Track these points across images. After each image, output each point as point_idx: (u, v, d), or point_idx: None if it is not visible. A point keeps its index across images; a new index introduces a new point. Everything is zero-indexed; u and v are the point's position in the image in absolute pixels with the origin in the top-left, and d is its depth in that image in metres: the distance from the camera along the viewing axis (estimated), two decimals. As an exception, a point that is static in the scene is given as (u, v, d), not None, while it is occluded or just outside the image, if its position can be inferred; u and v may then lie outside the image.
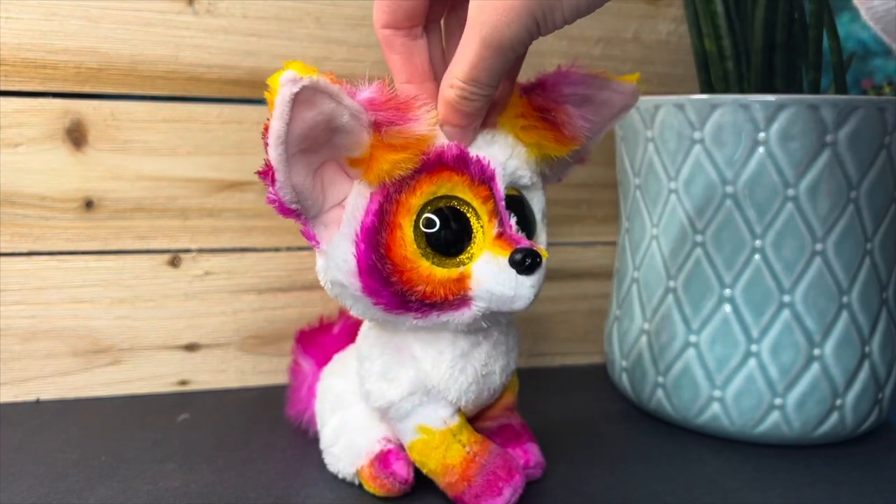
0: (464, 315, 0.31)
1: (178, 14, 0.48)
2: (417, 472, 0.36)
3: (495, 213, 0.31)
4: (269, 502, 0.36)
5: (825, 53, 0.44)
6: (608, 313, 0.52)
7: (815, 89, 0.45)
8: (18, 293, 0.48)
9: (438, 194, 0.31)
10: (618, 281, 0.50)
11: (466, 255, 0.31)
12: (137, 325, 0.50)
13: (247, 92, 0.50)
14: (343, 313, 0.45)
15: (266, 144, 0.27)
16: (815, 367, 0.41)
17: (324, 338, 0.44)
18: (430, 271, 0.31)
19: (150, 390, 0.51)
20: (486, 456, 0.34)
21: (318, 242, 0.32)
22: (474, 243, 0.31)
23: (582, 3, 0.26)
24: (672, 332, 0.45)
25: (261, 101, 0.50)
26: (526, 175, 0.33)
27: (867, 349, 0.42)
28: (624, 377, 0.49)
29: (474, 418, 0.37)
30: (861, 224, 0.41)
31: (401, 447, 0.36)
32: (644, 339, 0.47)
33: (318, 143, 0.28)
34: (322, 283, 0.33)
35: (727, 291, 0.42)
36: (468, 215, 0.31)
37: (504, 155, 0.32)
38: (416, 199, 0.30)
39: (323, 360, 0.42)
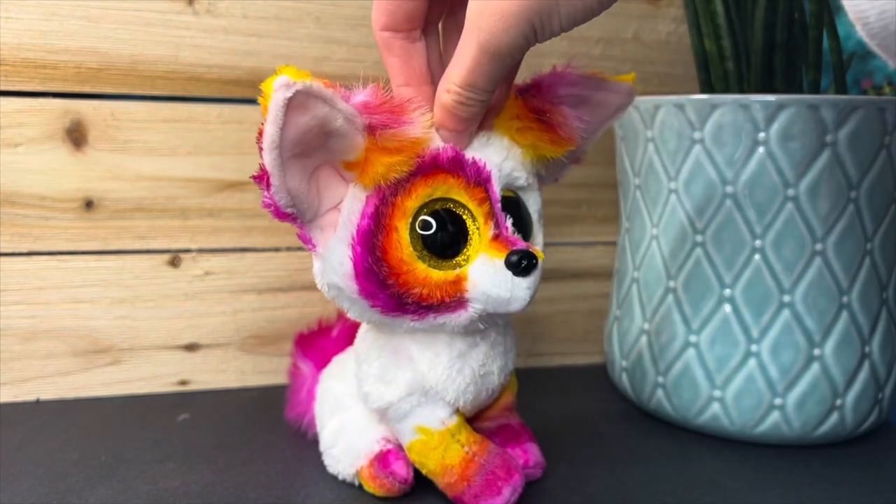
0: (460, 317, 0.31)
1: (178, 14, 0.48)
2: (417, 472, 0.36)
3: (491, 214, 0.31)
4: (269, 502, 0.36)
5: (825, 53, 0.44)
6: (608, 313, 0.52)
7: (815, 89, 0.45)
8: (18, 293, 0.48)
9: (434, 197, 0.31)
10: (618, 281, 0.50)
11: (462, 257, 0.31)
12: (137, 325, 0.50)
13: (247, 92, 0.50)
14: (342, 316, 0.45)
15: (261, 149, 0.27)
16: (815, 367, 0.41)
17: (323, 341, 0.44)
18: (427, 274, 0.31)
19: (150, 390, 0.51)
20: (485, 456, 0.34)
21: (314, 246, 0.32)
22: (470, 245, 0.31)
23: (579, 11, 0.26)
24: (672, 332, 0.45)
25: (258, 100, 0.50)
26: (522, 176, 0.33)
27: (867, 349, 0.42)
28: (624, 377, 0.49)
29: (473, 418, 0.37)
30: (861, 224, 0.41)
31: (400, 447, 0.36)
32: (644, 339, 0.47)
33: (312, 147, 0.28)
34: (319, 286, 0.33)
35: (727, 291, 0.42)
36: (464, 217, 0.31)
37: (500, 157, 0.32)
38: (412, 202, 0.30)
39: (322, 362, 0.42)
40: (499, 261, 0.30)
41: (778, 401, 0.42)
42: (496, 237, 0.31)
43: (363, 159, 0.29)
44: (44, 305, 0.48)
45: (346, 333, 0.43)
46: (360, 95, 0.28)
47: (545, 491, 0.38)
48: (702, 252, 0.43)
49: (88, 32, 0.47)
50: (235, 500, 0.36)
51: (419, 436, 0.34)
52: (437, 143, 0.31)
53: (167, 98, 0.49)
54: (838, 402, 0.42)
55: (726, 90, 0.46)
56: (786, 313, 0.41)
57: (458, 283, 0.31)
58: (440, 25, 0.33)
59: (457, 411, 0.35)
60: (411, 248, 0.31)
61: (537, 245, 0.34)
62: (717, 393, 0.43)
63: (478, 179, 0.31)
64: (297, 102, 0.26)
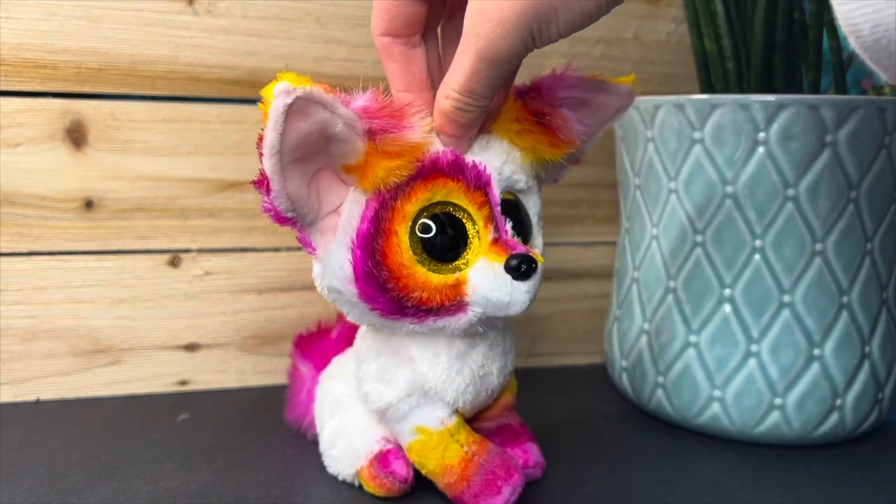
0: (460, 320, 0.31)
1: (178, 14, 0.48)
2: (417, 472, 0.36)
3: (491, 218, 0.31)
4: (269, 502, 0.36)
5: (825, 53, 0.44)
6: (608, 313, 0.52)
7: (815, 89, 0.45)
8: (18, 293, 0.48)
9: (434, 200, 0.31)
10: (618, 281, 0.50)
11: (462, 260, 0.31)
12: (137, 325, 0.50)
13: (247, 92, 0.50)
14: (341, 317, 0.45)
15: (261, 155, 0.27)
16: (815, 367, 0.41)
17: (322, 342, 0.44)
18: (427, 277, 0.31)
19: (150, 390, 0.51)
20: (485, 455, 0.34)
21: (314, 249, 0.32)
22: (470, 249, 0.31)
23: (577, 17, 0.26)
24: (672, 332, 0.45)
25: (261, 101, 0.50)
26: (521, 179, 0.33)
27: (867, 349, 0.42)
28: (624, 377, 0.49)
29: (473, 419, 0.37)
30: (861, 224, 0.41)
31: (400, 447, 0.36)
32: (644, 339, 0.47)
33: (312, 151, 0.28)
34: (319, 289, 0.33)
35: (727, 291, 0.42)
36: (464, 221, 0.31)
37: (499, 160, 0.32)
38: (412, 206, 0.30)
39: (321, 364, 0.42)
40: (498, 265, 0.30)
41: (778, 401, 0.42)
42: (496, 241, 0.31)
43: (363, 163, 0.29)
44: (44, 305, 0.48)
45: (345, 335, 0.43)
46: (360, 100, 0.28)
47: (545, 491, 0.38)
48: (702, 252, 0.43)
49: (88, 32, 0.47)
50: (235, 500, 0.36)
51: (418, 436, 0.34)
52: (437, 146, 0.31)
53: (167, 98, 0.49)
54: (838, 402, 0.42)
55: (726, 90, 0.46)
56: (786, 313, 0.41)
57: (457, 286, 0.31)
58: (439, 30, 0.33)
59: (456, 411, 0.35)
60: (411, 252, 0.31)
61: (537, 248, 0.34)
62: (717, 393, 0.43)
63: (477, 183, 0.31)
64: (297, 108, 0.26)
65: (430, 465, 0.34)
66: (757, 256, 0.42)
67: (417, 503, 0.36)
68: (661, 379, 0.45)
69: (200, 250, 0.51)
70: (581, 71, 0.34)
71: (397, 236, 0.30)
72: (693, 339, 0.44)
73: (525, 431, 0.39)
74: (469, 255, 0.31)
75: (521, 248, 0.31)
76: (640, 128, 0.45)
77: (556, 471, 0.39)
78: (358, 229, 0.30)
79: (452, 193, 0.31)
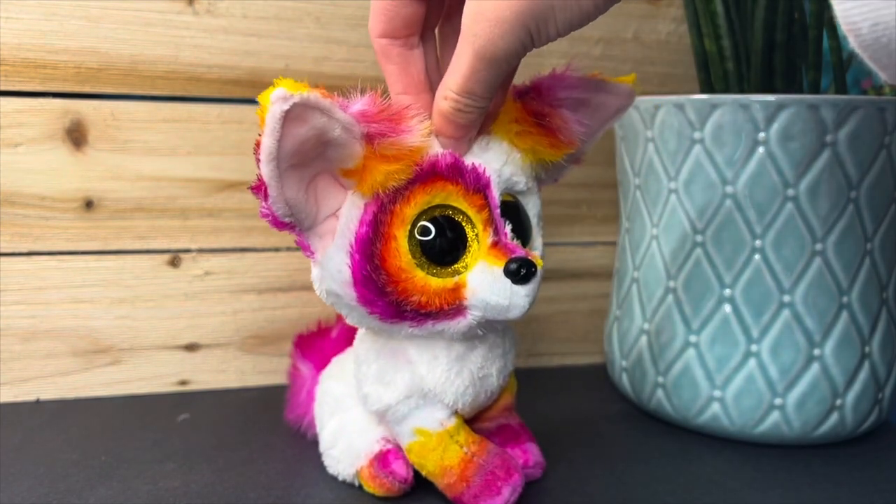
0: (459, 324, 0.31)
1: (178, 14, 0.48)
2: (417, 472, 0.36)
3: (490, 221, 0.31)
4: (269, 502, 0.36)
5: (825, 53, 0.44)
6: (608, 313, 0.52)
7: (815, 89, 0.45)
8: (18, 293, 0.48)
9: (433, 204, 0.31)
10: (618, 281, 0.50)
11: (461, 264, 0.31)
12: (137, 325, 0.50)
13: (247, 92, 0.50)
14: (341, 317, 0.45)
15: (258, 161, 0.27)
16: (815, 367, 0.41)
17: (322, 342, 0.44)
18: (425, 281, 0.31)
19: (150, 390, 0.51)
20: (485, 456, 0.34)
21: (312, 253, 0.32)
22: (469, 252, 0.31)
23: (575, 16, 0.26)
24: (672, 332, 0.45)
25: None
26: (521, 181, 0.33)
27: (867, 349, 0.42)
28: (624, 377, 0.49)
29: (472, 419, 0.37)
30: (861, 224, 0.41)
31: (400, 447, 0.36)
32: (644, 339, 0.47)
33: (310, 157, 0.28)
34: (317, 293, 0.33)
35: (727, 291, 0.42)
36: (463, 224, 0.31)
37: (499, 162, 0.31)
38: (411, 210, 0.30)
39: (321, 364, 0.42)
40: (497, 269, 0.30)
41: (778, 401, 0.42)
42: (495, 244, 0.31)
43: (361, 167, 0.29)
44: (44, 305, 0.48)
45: (345, 335, 0.43)
46: (358, 104, 0.28)
47: (545, 491, 0.37)
48: (702, 252, 0.43)
49: (88, 32, 0.47)
50: (235, 500, 0.36)
51: (418, 437, 0.34)
52: (436, 149, 0.30)
53: (167, 98, 0.49)
54: (838, 402, 0.42)
55: (726, 90, 0.46)
56: (786, 313, 0.41)
57: (456, 290, 0.31)
58: (437, 31, 0.32)
59: (455, 413, 0.35)
60: (410, 256, 0.30)
61: (536, 249, 0.34)
62: (717, 393, 0.43)
63: (477, 186, 0.31)
64: (294, 114, 0.25)
65: (430, 466, 0.34)
66: (757, 256, 0.42)
67: (417, 503, 0.36)
68: (661, 379, 0.45)
69: (200, 250, 0.51)
70: (581, 71, 0.34)
71: (396, 240, 0.30)
72: (693, 339, 0.44)
73: (525, 431, 0.39)
74: (468, 258, 0.31)
75: (520, 252, 0.31)
76: (640, 128, 0.45)
77: (556, 471, 0.39)
78: (356, 233, 0.30)
79: (451, 196, 0.31)
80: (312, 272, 0.33)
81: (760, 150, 0.40)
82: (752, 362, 0.42)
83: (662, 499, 0.37)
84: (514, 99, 0.33)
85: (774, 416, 0.42)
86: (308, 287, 0.52)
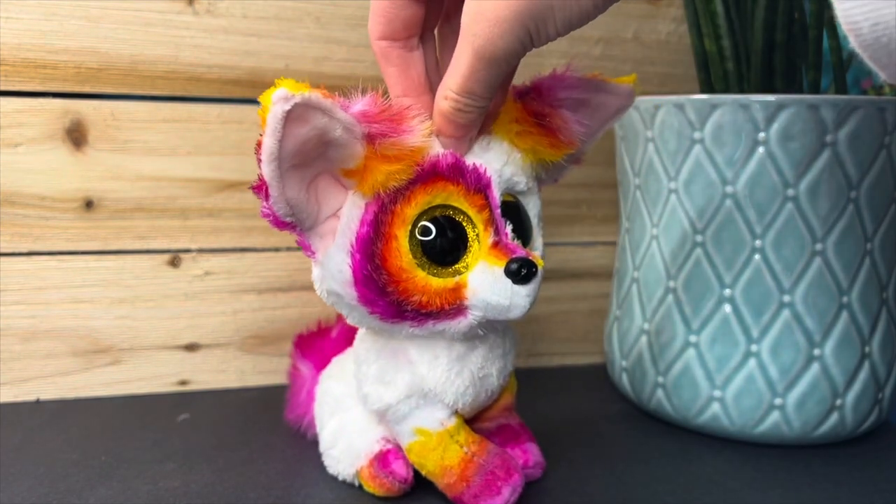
0: (460, 324, 0.31)
1: (178, 14, 0.48)
2: (417, 473, 0.36)
3: (491, 221, 0.31)
4: (269, 502, 0.36)
5: (825, 53, 0.44)
6: (608, 313, 0.52)
7: (815, 89, 0.45)
8: (18, 293, 0.48)
9: (434, 204, 0.31)
10: (618, 281, 0.50)
11: (462, 264, 0.31)
12: (137, 325, 0.50)
13: (247, 92, 0.50)
14: (341, 317, 0.45)
15: (259, 161, 0.27)
16: (815, 367, 0.41)
17: (322, 342, 0.44)
18: (426, 281, 0.31)
19: (150, 390, 0.51)
20: (485, 456, 0.34)
21: (313, 253, 0.32)
22: (470, 252, 0.31)
23: (574, 15, 0.26)
24: (672, 332, 0.45)
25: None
26: (522, 181, 0.33)
27: (867, 349, 0.42)
28: (624, 377, 0.49)
29: (472, 419, 0.37)
30: (861, 224, 0.41)
31: (400, 447, 0.36)
32: (644, 339, 0.47)
33: (311, 157, 0.28)
34: (318, 292, 0.33)
35: (727, 291, 0.42)
36: (464, 224, 0.31)
37: (499, 162, 0.32)
38: (412, 210, 0.30)
39: (321, 364, 0.42)
40: (498, 269, 0.30)
41: (778, 401, 0.42)
42: (496, 244, 0.31)
43: (362, 167, 0.29)
44: (44, 305, 0.48)
45: (345, 335, 0.43)
46: (359, 104, 0.28)
47: (545, 491, 0.37)
48: (702, 252, 0.43)
49: (88, 32, 0.47)
50: (235, 500, 0.36)
51: (418, 437, 0.34)
52: (437, 149, 0.30)
53: (167, 98, 0.49)
54: (838, 402, 0.42)
55: (726, 90, 0.46)
56: (786, 313, 0.41)
57: (457, 290, 0.31)
58: (436, 32, 0.32)
59: (455, 413, 0.35)
60: (410, 256, 0.30)
61: (537, 249, 0.34)
62: (717, 393, 0.43)
63: (477, 186, 0.31)
64: (295, 114, 0.25)
65: (430, 465, 0.34)
66: (757, 256, 0.42)
67: (417, 503, 0.36)
68: (661, 379, 0.45)
69: (200, 250, 0.51)
70: (581, 71, 0.34)
71: (397, 240, 0.30)
72: (693, 339, 0.44)
73: (525, 431, 0.39)
74: (469, 258, 0.31)
75: (520, 252, 0.31)
76: (640, 128, 0.45)
77: (556, 471, 0.39)
78: (357, 233, 0.30)
79: (452, 197, 0.31)
80: (313, 272, 0.33)
81: (760, 150, 0.40)
82: (752, 362, 0.42)
83: (662, 499, 0.37)
84: (514, 99, 0.33)
85: (774, 416, 0.42)
86: (308, 287, 0.52)
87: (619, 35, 0.55)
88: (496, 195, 0.31)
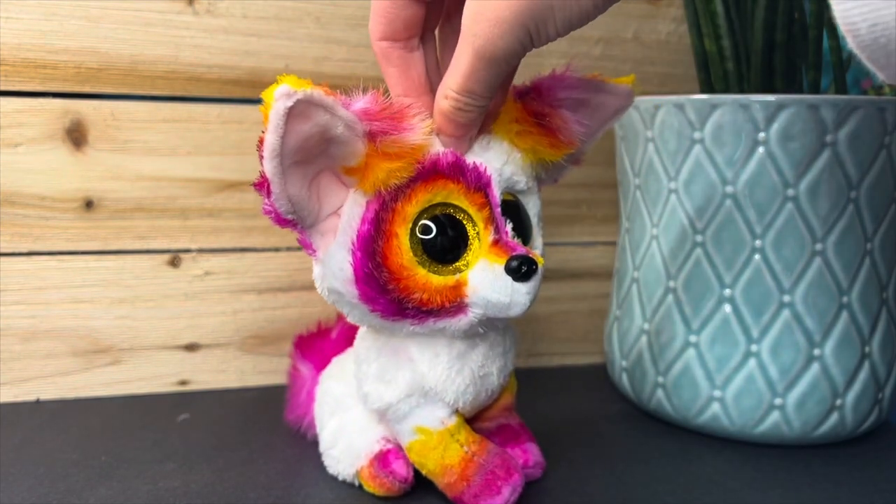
0: (460, 322, 0.31)
1: (178, 14, 0.48)
2: (417, 473, 0.36)
3: (491, 219, 0.31)
4: (269, 502, 0.36)
5: (825, 53, 0.44)
6: (608, 313, 0.52)
7: (815, 89, 0.45)
8: (18, 293, 0.48)
9: (434, 202, 0.31)
10: (618, 281, 0.50)
11: (462, 262, 0.31)
12: (137, 325, 0.50)
13: (247, 92, 0.50)
14: (341, 318, 0.45)
15: (261, 158, 0.27)
16: (815, 367, 0.41)
17: (322, 342, 0.44)
18: (427, 279, 0.31)
19: (150, 390, 0.51)
20: (485, 455, 0.34)
21: (314, 251, 0.32)
22: (470, 250, 0.31)
23: (574, 16, 0.26)
24: (672, 332, 0.45)
25: (261, 102, 0.50)
26: (522, 180, 0.33)
27: (867, 349, 0.42)
28: (624, 377, 0.49)
29: (472, 419, 0.37)
30: (861, 224, 0.41)
31: (400, 447, 0.36)
32: (644, 339, 0.47)
33: (312, 154, 0.28)
34: (319, 291, 0.33)
35: (727, 291, 0.42)
36: (464, 222, 0.31)
37: (500, 161, 0.32)
38: (412, 207, 0.30)
39: (321, 364, 0.42)
40: (499, 266, 0.30)
41: (778, 401, 0.42)
42: (496, 242, 0.31)
43: (363, 165, 0.29)
44: (44, 305, 0.48)
45: (345, 335, 0.43)
46: (360, 102, 0.28)
47: (545, 491, 0.37)
48: (702, 252, 0.43)
49: (88, 32, 0.47)
50: (235, 500, 0.36)
51: (418, 436, 0.34)
52: (438, 148, 0.31)
53: (167, 98, 0.49)
54: (838, 402, 0.42)
55: (726, 90, 0.46)
56: (786, 313, 0.41)
57: (458, 288, 0.31)
58: (437, 32, 0.33)
59: (456, 412, 0.35)
60: (411, 254, 0.31)
61: (537, 248, 0.34)
62: (717, 393, 0.43)
63: (478, 184, 0.31)
64: (297, 111, 0.26)
65: (430, 465, 0.34)
66: (757, 256, 0.42)
67: (417, 503, 0.36)
68: (661, 379, 0.45)
69: (200, 250, 0.51)
70: (580, 71, 0.34)
71: (398, 238, 0.30)
72: (693, 339, 0.44)
73: (525, 431, 0.39)
74: (469, 256, 0.31)
75: (521, 250, 0.31)
76: (640, 128, 0.45)
77: (556, 471, 0.39)
78: (358, 231, 0.30)
79: (453, 195, 0.31)
80: (314, 270, 0.33)
81: (760, 150, 0.40)
82: (752, 362, 0.42)
83: (662, 499, 0.37)
84: (514, 99, 0.33)
85: (774, 416, 0.42)
86: (308, 287, 0.52)
87: (619, 35, 0.55)
88: (496, 194, 0.31)
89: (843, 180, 0.40)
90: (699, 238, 0.43)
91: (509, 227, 0.32)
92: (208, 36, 0.48)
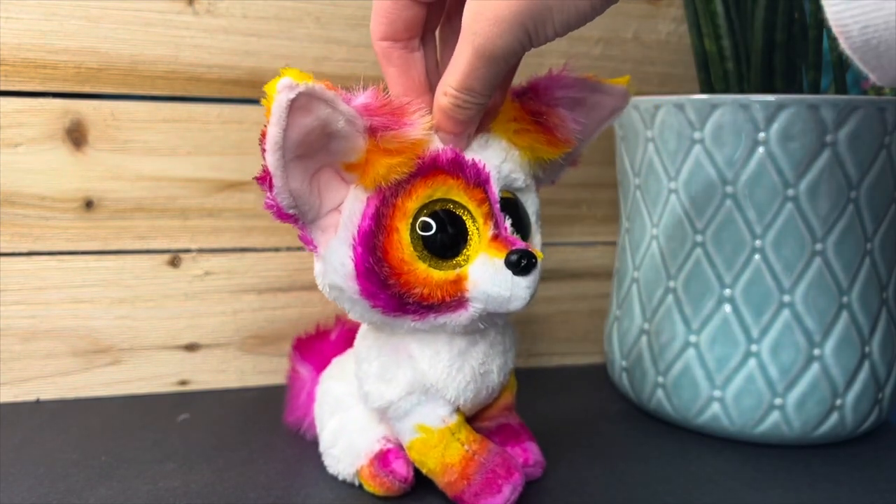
0: (461, 317, 0.32)
1: (178, 14, 0.48)
2: (417, 472, 0.36)
3: (490, 215, 0.31)
4: (269, 502, 0.36)
5: (825, 53, 0.45)
6: (608, 313, 0.52)
7: (815, 89, 0.45)
8: (18, 293, 0.48)
9: (434, 197, 0.31)
10: (618, 281, 0.50)
11: (462, 257, 0.31)
12: (137, 325, 0.50)
13: (247, 92, 0.50)
14: (340, 319, 0.45)
15: (263, 150, 0.27)
16: (815, 367, 0.41)
17: (321, 344, 0.44)
18: (427, 273, 0.31)
19: (150, 390, 0.51)
20: (486, 454, 0.34)
21: (315, 247, 0.32)
22: (470, 245, 0.31)
23: (572, 16, 0.26)
24: (672, 332, 0.45)
25: (261, 102, 0.50)
26: (520, 178, 0.33)
27: (867, 349, 0.42)
28: (624, 377, 0.49)
29: (472, 418, 0.37)
30: (861, 224, 0.41)
31: (400, 446, 0.36)
32: (644, 339, 0.47)
33: (314, 148, 0.28)
34: (320, 287, 0.34)
35: (727, 291, 0.42)
36: (464, 218, 0.32)
37: (498, 158, 0.32)
38: (412, 203, 0.30)
39: (321, 366, 0.42)
40: (498, 260, 0.31)
41: (778, 401, 0.42)
42: (495, 237, 0.31)
43: (364, 161, 0.29)
44: (44, 305, 0.48)
45: (344, 337, 0.43)
46: (361, 98, 0.28)
47: (545, 490, 0.38)
48: (702, 252, 0.43)
49: (88, 32, 0.47)
50: (235, 500, 0.36)
51: (419, 434, 0.34)
52: (437, 145, 0.31)
53: (167, 98, 0.49)
54: (838, 402, 0.42)
55: (726, 90, 0.46)
56: (786, 313, 0.41)
57: (458, 282, 0.31)
58: (437, 33, 0.33)
59: (457, 410, 0.35)
60: (412, 249, 0.31)
61: (535, 246, 0.34)
62: (717, 393, 0.43)
63: (477, 180, 0.31)
64: (300, 104, 0.26)
65: (431, 463, 0.34)
66: (757, 256, 0.42)
67: (417, 503, 0.36)
68: (661, 379, 0.45)
69: (200, 250, 0.51)
70: (578, 71, 0.34)
71: (398, 233, 0.31)
72: (693, 339, 0.44)
73: (525, 431, 0.39)
74: (469, 251, 0.31)
75: (520, 244, 0.31)
76: (640, 128, 0.45)
77: (556, 471, 0.39)
78: (359, 226, 0.30)
79: (452, 190, 0.31)
80: (315, 267, 0.33)
81: (760, 150, 0.40)
82: (752, 362, 0.42)
83: (662, 499, 0.37)
84: (512, 99, 0.33)
85: (774, 416, 0.42)
86: (308, 287, 0.52)
87: (619, 35, 0.55)
88: (495, 190, 0.32)
89: (843, 180, 0.40)
90: (699, 238, 0.43)
91: (508, 223, 0.32)
92: (208, 36, 0.49)
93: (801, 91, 0.45)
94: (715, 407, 0.43)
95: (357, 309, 0.33)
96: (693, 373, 0.44)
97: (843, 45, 0.20)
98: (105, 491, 0.37)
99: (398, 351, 0.34)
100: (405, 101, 0.30)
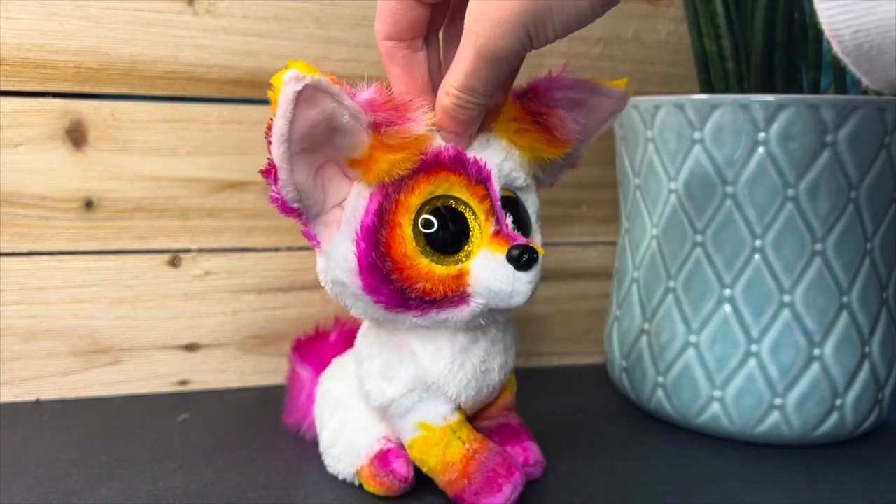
0: (463, 312, 0.32)
1: (178, 14, 0.48)
2: (417, 472, 0.36)
3: (492, 211, 0.32)
4: (269, 502, 0.36)
5: (825, 53, 0.45)
6: (608, 313, 0.52)
7: (815, 89, 0.45)
8: (18, 293, 0.48)
9: (436, 194, 0.31)
10: (618, 281, 0.50)
11: (464, 252, 0.32)
12: (137, 325, 0.50)
13: (247, 92, 0.50)
14: (339, 320, 0.45)
15: (269, 143, 0.27)
16: (815, 367, 0.41)
17: (321, 345, 0.44)
18: (430, 269, 0.31)
19: (150, 390, 0.51)
20: (486, 453, 0.34)
21: (318, 242, 0.32)
22: (472, 241, 0.32)
23: (573, 18, 0.27)
24: (672, 332, 0.45)
25: (261, 101, 0.50)
26: (520, 177, 0.33)
27: (867, 349, 0.42)
28: (624, 377, 0.49)
29: (473, 418, 0.37)
30: (861, 224, 0.41)
31: (400, 446, 0.36)
32: (644, 339, 0.47)
33: (319, 142, 0.29)
34: (322, 283, 0.34)
35: (727, 291, 0.42)
36: (465, 214, 0.32)
37: (499, 157, 0.32)
38: (415, 199, 0.31)
39: (320, 367, 0.42)
40: (500, 255, 0.31)
41: (778, 401, 0.42)
42: (497, 233, 0.31)
43: (367, 157, 0.30)
44: (44, 305, 0.48)
45: (343, 338, 0.43)
46: (365, 93, 0.29)
47: (545, 490, 0.38)
48: (702, 252, 0.43)
49: (88, 32, 0.47)
50: (235, 500, 0.36)
51: (420, 432, 0.34)
52: (440, 141, 0.31)
53: (167, 98, 0.49)
54: (838, 402, 0.42)
55: (726, 90, 0.46)
56: (786, 313, 0.41)
57: (460, 277, 0.31)
58: (440, 33, 0.33)
59: (458, 408, 0.35)
60: (414, 244, 0.31)
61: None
62: (717, 393, 0.43)
63: (479, 177, 0.31)
64: (306, 96, 0.26)
65: (432, 461, 0.34)
66: (757, 256, 0.42)
67: (418, 502, 0.36)
68: (661, 379, 0.45)
69: (200, 250, 0.51)
70: (577, 72, 0.35)
71: (401, 228, 0.31)
72: (693, 339, 0.44)
73: (525, 430, 0.39)
74: (471, 247, 0.32)
75: (521, 240, 0.31)
76: (640, 128, 0.45)
77: (556, 470, 0.39)
78: (362, 222, 0.31)
79: (454, 187, 0.31)
80: (318, 263, 0.33)
81: (760, 150, 0.40)
82: (752, 362, 0.42)
83: (662, 499, 0.37)
84: (513, 100, 0.34)
85: (774, 416, 0.42)
86: (308, 287, 0.52)
87: (619, 35, 0.55)
88: (496, 187, 0.32)
89: (843, 180, 0.40)
90: (699, 238, 0.43)
91: (509, 220, 0.32)
92: (208, 36, 0.49)
93: (801, 91, 0.45)
94: (715, 407, 0.43)
95: (359, 305, 0.33)
96: (693, 373, 0.44)
97: (836, 48, 0.20)
98: (105, 491, 0.37)
99: (400, 348, 0.34)
100: (408, 97, 0.30)
